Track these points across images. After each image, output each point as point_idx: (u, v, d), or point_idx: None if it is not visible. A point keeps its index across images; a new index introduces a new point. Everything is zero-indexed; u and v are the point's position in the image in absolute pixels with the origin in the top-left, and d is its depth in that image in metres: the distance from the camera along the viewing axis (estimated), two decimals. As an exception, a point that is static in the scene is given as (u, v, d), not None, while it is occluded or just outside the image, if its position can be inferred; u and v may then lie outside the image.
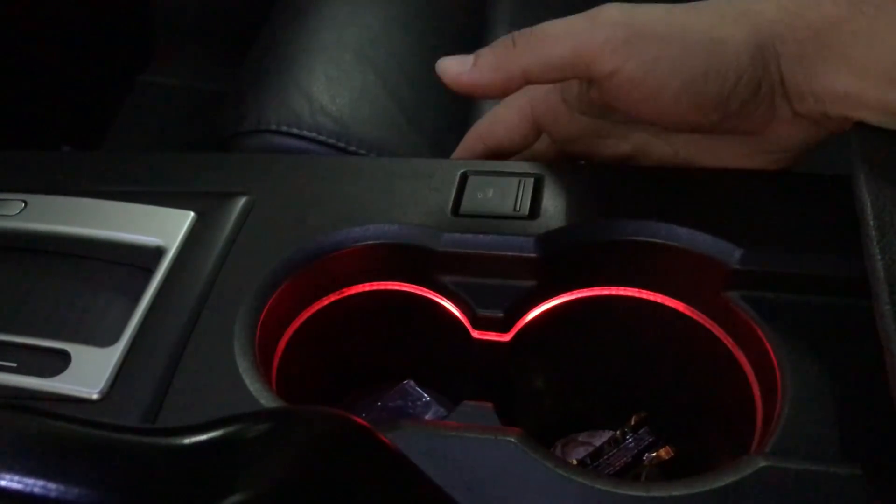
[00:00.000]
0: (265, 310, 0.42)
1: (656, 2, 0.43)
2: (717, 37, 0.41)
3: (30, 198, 0.47)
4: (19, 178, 0.50)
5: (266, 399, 0.38)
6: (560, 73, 0.42)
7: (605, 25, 0.41)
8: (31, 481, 0.24)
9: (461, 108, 0.78)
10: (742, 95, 0.41)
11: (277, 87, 0.72)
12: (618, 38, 0.41)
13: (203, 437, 0.26)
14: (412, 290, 0.45)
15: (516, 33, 0.43)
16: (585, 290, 0.44)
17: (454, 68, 0.43)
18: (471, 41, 0.84)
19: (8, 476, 0.24)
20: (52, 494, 0.24)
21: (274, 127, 0.69)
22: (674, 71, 0.41)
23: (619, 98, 0.43)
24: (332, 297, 0.45)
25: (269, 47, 0.77)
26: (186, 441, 0.26)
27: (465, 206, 0.45)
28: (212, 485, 0.25)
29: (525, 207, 0.44)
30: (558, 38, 0.42)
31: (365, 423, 0.29)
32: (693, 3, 0.42)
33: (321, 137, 0.68)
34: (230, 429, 0.26)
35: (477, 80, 0.43)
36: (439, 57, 0.76)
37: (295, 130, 0.69)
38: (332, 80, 0.72)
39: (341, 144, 0.68)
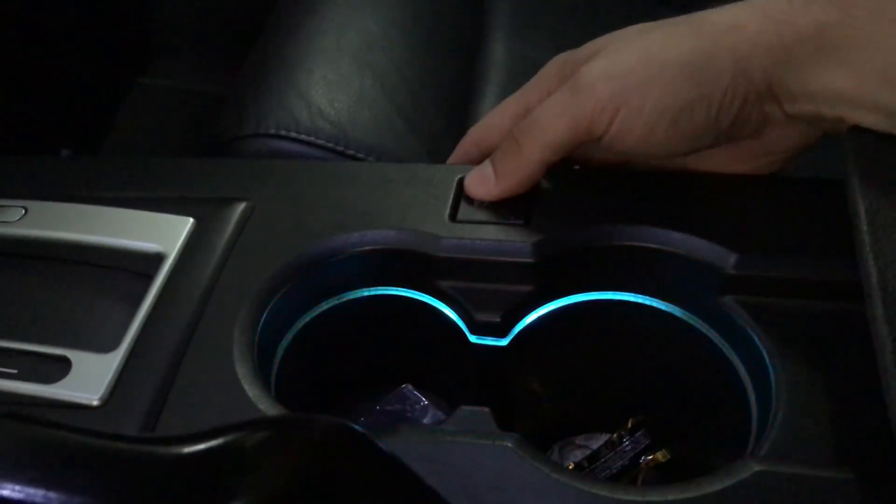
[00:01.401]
0: (264, 315, 0.42)
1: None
2: (696, 63, 0.42)
3: (30, 204, 0.47)
4: (20, 184, 0.50)
5: (265, 405, 0.38)
6: (566, 149, 0.44)
7: (588, 93, 0.43)
8: (32, 491, 0.24)
9: (459, 112, 0.78)
10: (730, 113, 0.42)
11: (276, 91, 0.72)
12: (604, 99, 0.42)
13: (202, 446, 0.26)
14: (410, 296, 0.45)
15: (515, 131, 0.45)
16: (582, 294, 0.45)
17: (481, 189, 0.45)
18: (469, 45, 0.84)
19: (10, 485, 0.24)
20: None
21: (273, 131, 0.69)
22: (660, 110, 0.42)
23: (615, 148, 0.44)
24: (331, 303, 0.45)
25: (268, 51, 0.77)
26: (186, 450, 0.26)
27: (463, 211, 0.45)
28: (211, 493, 0.25)
29: (521, 213, 0.45)
30: (552, 121, 0.44)
31: (363, 430, 0.29)
32: (672, 23, 0.43)
33: (319, 141, 0.69)
34: (229, 437, 0.27)
35: (506, 188, 0.45)
36: (438, 61, 0.76)
37: (293, 134, 0.69)
38: (330, 84, 0.72)
39: (339, 148, 0.69)
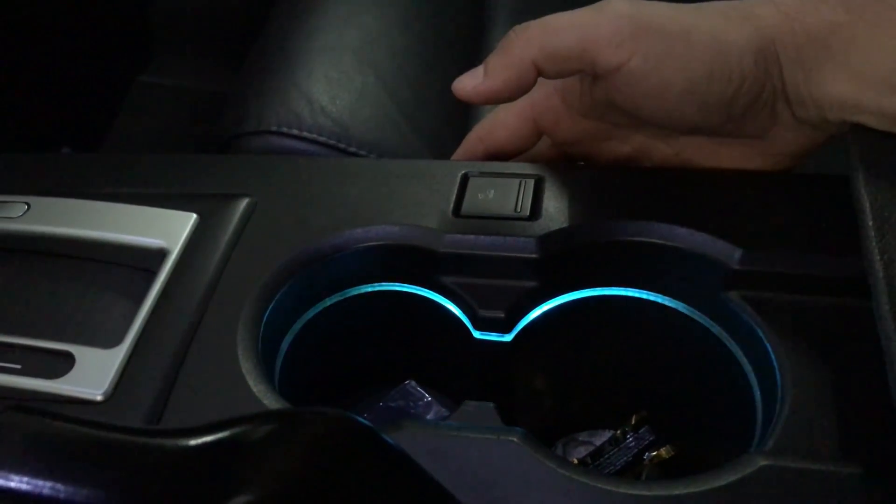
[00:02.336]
0: (268, 311, 0.42)
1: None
2: (723, 39, 0.41)
3: (33, 200, 0.47)
4: (22, 180, 0.50)
5: (269, 400, 0.38)
6: (566, 64, 0.42)
7: (611, 18, 0.41)
8: (40, 482, 0.24)
9: (461, 108, 0.78)
10: (745, 99, 0.41)
11: (278, 89, 0.72)
12: (624, 31, 0.40)
13: (209, 439, 0.26)
14: (414, 291, 0.45)
15: (520, 27, 0.43)
16: (586, 290, 0.45)
17: (468, 82, 0.43)
18: (470, 42, 0.84)
19: (17, 477, 0.24)
20: (61, 496, 0.24)
21: (274, 128, 0.69)
22: (679, 69, 0.41)
23: (623, 94, 0.42)
24: (335, 299, 0.45)
25: (270, 48, 0.78)
26: (192, 442, 0.26)
27: (466, 207, 0.45)
28: (217, 486, 0.25)
29: (526, 208, 0.44)
30: (564, 29, 0.42)
31: (368, 423, 0.29)
32: (697, 4, 0.42)
33: (321, 138, 0.69)
34: (235, 430, 0.27)
35: (492, 86, 0.43)
36: (439, 57, 0.76)
37: (295, 131, 0.69)
38: (332, 81, 0.72)
39: (341, 145, 0.69)
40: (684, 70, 0.41)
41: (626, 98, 0.43)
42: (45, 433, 0.25)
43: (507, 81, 0.43)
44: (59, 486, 0.24)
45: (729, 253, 0.41)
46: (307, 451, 0.27)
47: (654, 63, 0.41)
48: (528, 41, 0.42)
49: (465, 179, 0.47)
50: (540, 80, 0.48)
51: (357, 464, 0.27)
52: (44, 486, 0.24)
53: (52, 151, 1.01)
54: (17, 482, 0.24)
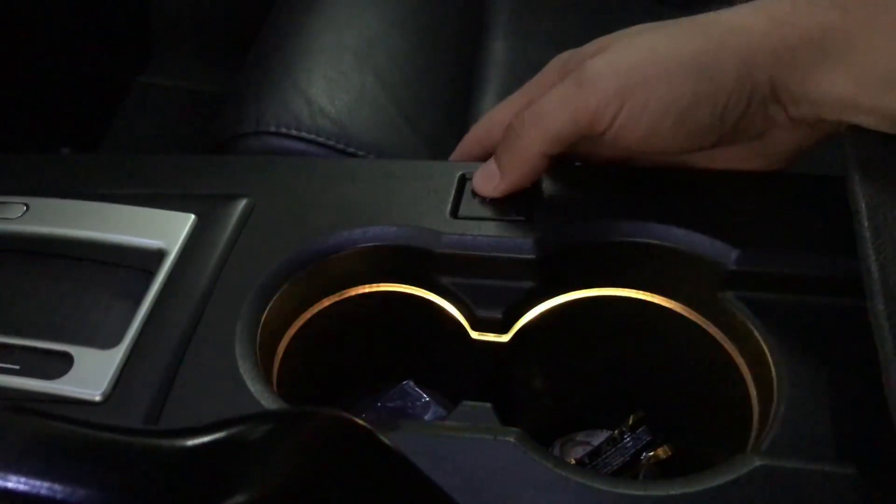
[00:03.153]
0: (266, 311, 0.42)
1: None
2: (703, 63, 0.41)
3: (32, 201, 0.47)
4: (21, 181, 0.50)
5: (267, 400, 0.38)
6: (567, 142, 0.44)
7: (593, 85, 0.42)
8: (37, 483, 0.24)
9: (459, 109, 0.78)
10: (734, 113, 0.42)
11: (276, 89, 0.72)
12: (609, 93, 0.42)
13: (206, 439, 0.26)
14: (411, 292, 0.45)
15: (515, 121, 0.44)
16: (583, 290, 0.45)
17: (487, 185, 0.45)
18: (469, 42, 0.84)
19: (15, 477, 0.24)
20: (59, 496, 0.24)
21: (273, 128, 0.69)
22: (665, 109, 0.42)
23: (618, 144, 0.44)
24: (333, 299, 0.45)
25: (268, 49, 0.78)
26: (190, 443, 0.26)
27: (464, 208, 0.45)
28: (215, 486, 0.25)
29: (523, 209, 0.45)
30: (555, 112, 0.43)
31: (366, 424, 0.29)
32: (678, 23, 0.43)
33: (320, 139, 0.69)
34: (233, 430, 0.27)
35: (511, 183, 0.45)
36: (438, 58, 0.76)
37: (294, 132, 0.69)
38: (331, 81, 0.72)
39: (340, 146, 0.69)
40: (670, 108, 0.42)
41: (622, 144, 0.44)
42: (43, 433, 0.25)
43: (525, 175, 0.45)
44: (57, 486, 0.24)
45: (725, 253, 0.41)
46: (304, 451, 0.27)
47: (640, 110, 0.42)
48: (530, 137, 0.44)
49: (462, 180, 0.47)
50: (536, 79, 0.48)
51: (354, 464, 0.28)
52: (41, 486, 0.24)
53: (51, 152, 1.01)
54: (14, 482, 0.24)
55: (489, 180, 0.45)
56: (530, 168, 0.45)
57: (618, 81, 0.42)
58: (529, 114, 0.44)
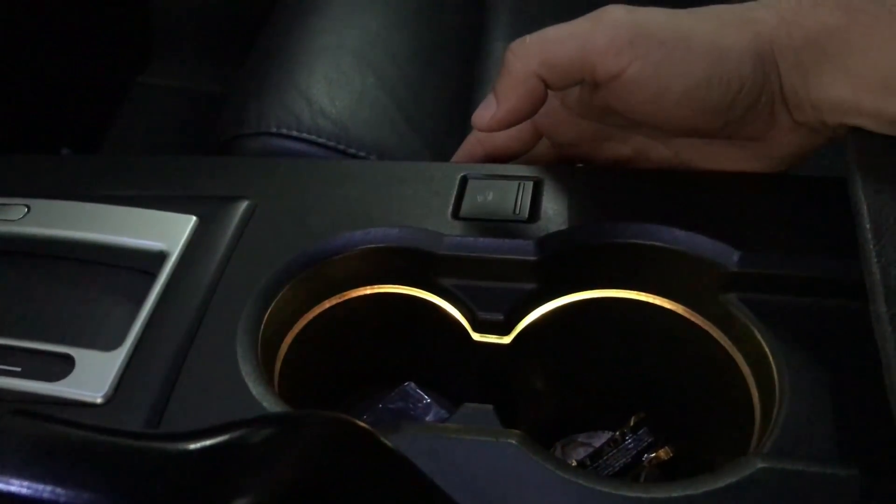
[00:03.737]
0: (268, 313, 0.42)
1: (659, 5, 0.43)
2: (721, 44, 0.41)
3: (33, 202, 0.48)
4: (22, 182, 0.50)
5: (269, 402, 0.38)
6: (567, 75, 0.42)
7: (609, 27, 0.41)
8: (40, 486, 0.24)
9: (460, 109, 0.78)
10: (744, 103, 0.41)
11: (277, 90, 0.72)
12: (622, 39, 0.41)
13: (209, 442, 0.26)
14: (413, 294, 0.45)
15: (517, 42, 0.43)
16: (585, 292, 0.45)
17: (485, 114, 0.44)
18: (470, 42, 0.84)
19: (18, 481, 0.24)
20: (62, 500, 0.24)
21: (274, 129, 0.69)
22: (677, 75, 0.41)
23: (622, 100, 0.43)
24: (334, 301, 0.45)
25: (269, 49, 0.78)
26: (192, 446, 0.26)
27: (466, 209, 0.45)
28: (217, 489, 0.25)
29: (525, 211, 0.45)
30: (562, 40, 0.42)
31: (368, 426, 0.29)
32: (695, 9, 0.43)
33: (321, 140, 0.69)
34: (235, 433, 0.27)
35: (507, 109, 0.43)
36: (438, 58, 0.76)
37: (295, 133, 0.69)
38: (331, 82, 0.72)
39: (341, 147, 0.69)
40: (683, 76, 0.41)
41: (624, 104, 0.43)
42: (46, 437, 0.25)
43: (520, 99, 0.43)
44: (60, 490, 0.24)
45: (727, 255, 0.41)
46: (306, 454, 0.27)
47: (652, 70, 0.41)
48: (527, 56, 0.42)
49: (464, 181, 0.47)
50: None
51: (356, 467, 0.28)
52: (44, 490, 0.24)
53: (51, 152, 1.01)
54: (17, 486, 0.24)
55: (487, 108, 0.44)
56: (525, 91, 0.42)
57: (635, 32, 0.41)
58: (532, 36, 0.42)
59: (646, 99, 0.42)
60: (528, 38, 0.42)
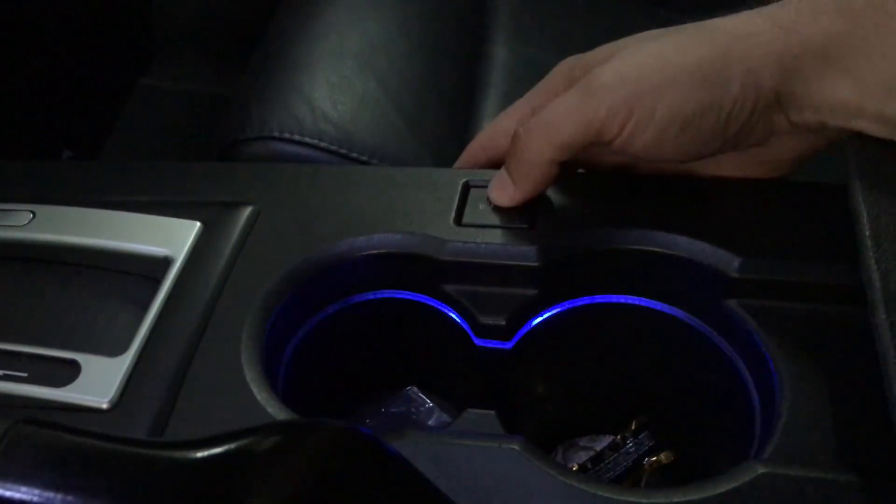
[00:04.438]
0: (272, 319, 0.42)
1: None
2: (709, 71, 0.42)
3: (38, 208, 0.48)
4: (27, 188, 0.51)
5: (273, 408, 0.39)
6: (576, 150, 0.44)
7: (602, 95, 0.42)
8: (50, 495, 0.24)
9: (461, 114, 0.78)
10: (738, 121, 0.42)
11: (279, 94, 0.72)
12: (617, 103, 0.42)
13: (216, 451, 0.27)
14: (416, 299, 0.46)
15: (522, 130, 0.44)
16: (586, 298, 0.45)
17: (503, 196, 0.45)
18: (471, 47, 0.85)
19: (26, 489, 0.25)
20: (71, 508, 0.24)
21: (276, 133, 0.69)
22: (671, 117, 0.42)
23: (624, 150, 0.44)
24: (338, 306, 0.46)
25: (271, 53, 0.78)
26: (200, 454, 0.26)
27: (468, 215, 0.45)
28: (224, 497, 0.26)
29: (526, 216, 0.45)
30: (563, 121, 0.43)
31: (373, 435, 0.29)
32: (684, 29, 0.43)
33: (323, 144, 0.69)
34: (242, 441, 0.27)
35: (526, 193, 0.45)
36: (440, 63, 0.76)
37: (297, 137, 0.69)
38: (333, 86, 0.72)
39: (343, 151, 0.69)
40: (676, 116, 0.42)
41: (629, 150, 0.44)
42: (55, 445, 0.26)
43: (537, 184, 0.45)
44: (69, 498, 0.24)
45: (728, 261, 0.42)
46: (312, 462, 0.27)
47: (648, 119, 0.42)
48: (538, 144, 0.44)
49: (466, 188, 0.47)
50: (541, 85, 0.49)
51: (361, 474, 0.28)
52: (54, 498, 0.24)
53: (52, 155, 1.01)
54: (27, 494, 0.24)
55: (504, 190, 0.45)
56: (541, 176, 0.45)
57: (626, 90, 0.42)
58: (537, 122, 0.44)
59: (647, 143, 0.43)
60: (531, 124, 0.44)
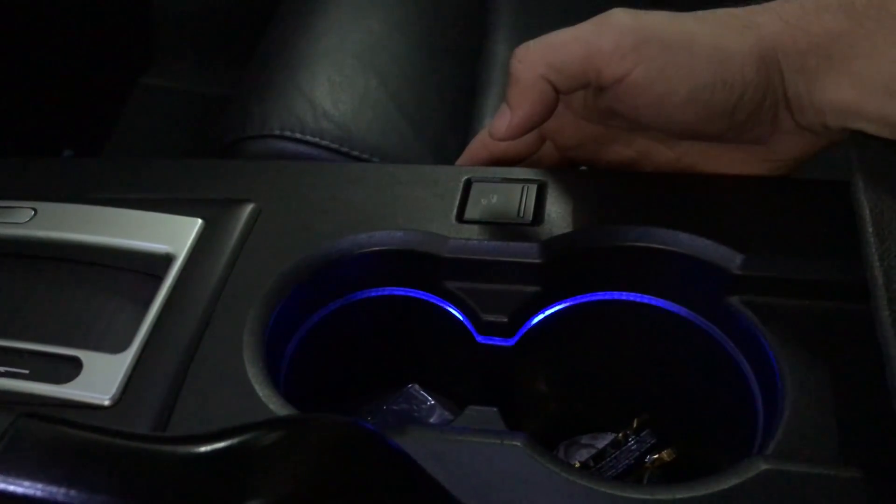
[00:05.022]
0: (273, 316, 0.42)
1: (662, 8, 0.43)
2: (725, 48, 0.41)
3: (39, 205, 0.48)
4: (28, 185, 0.51)
5: (275, 404, 0.38)
6: (573, 78, 0.42)
7: (614, 31, 0.41)
8: (54, 489, 0.24)
9: (462, 112, 0.78)
10: (748, 107, 0.42)
11: (280, 92, 0.72)
12: (627, 43, 0.41)
13: (219, 445, 0.27)
14: (417, 296, 0.46)
15: (521, 47, 0.43)
16: (588, 295, 0.45)
17: (501, 124, 0.44)
18: (472, 45, 0.85)
19: (31, 484, 0.25)
20: (74, 502, 0.24)
21: (277, 132, 0.69)
22: (681, 79, 0.41)
23: (626, 103, 0.43)
24: (339, 303, 0.46)
25: (272, 52, 0.78)
26: (203, 449, 0.26)
27: (470, 212, 0.45)
28: (228, 491, 0.25)
29: (529, 214, 0.45)
30: (567, 43, 0.42)
31: (375, 429, 0.29)
32: (699, 13, 0.43)
33: (324, 142, 0.69)
34: (245, 437, 0.27)
35: (521, 115, 0.43)
36: (441, 62, 0.76)
37: (298, 135, 0.69)
38: (334, 84, 0.72)
39: (344, 149, 0.69)
40: (687, 80, 0.41)
41: (628, 107, 0.43)
42: (58, 440, 0.26)
43: (533, 105, 0.43)
44: (73, 492, 0.24)
45: (730, 258, 0.42)
46: (316, 456, 0.27)
47: (656, 73, 0.41)
48: (533, 61, 0.42)
49: (468, 185, 0.47)
50: None
51: (364, 469, 0.28)
52: (57, 492, 0.24)
53: (53, 154, 1.01)
54: (31, 489, 0.24)
55: (502, 119, 0.44)
56: (537, 95, 0.43)
57: (639, 35, 0.41)
58: (537, 41, 0.42)
59: (650, 102, 0.42)
60: (531, 43, 0.43)
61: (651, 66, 0.41)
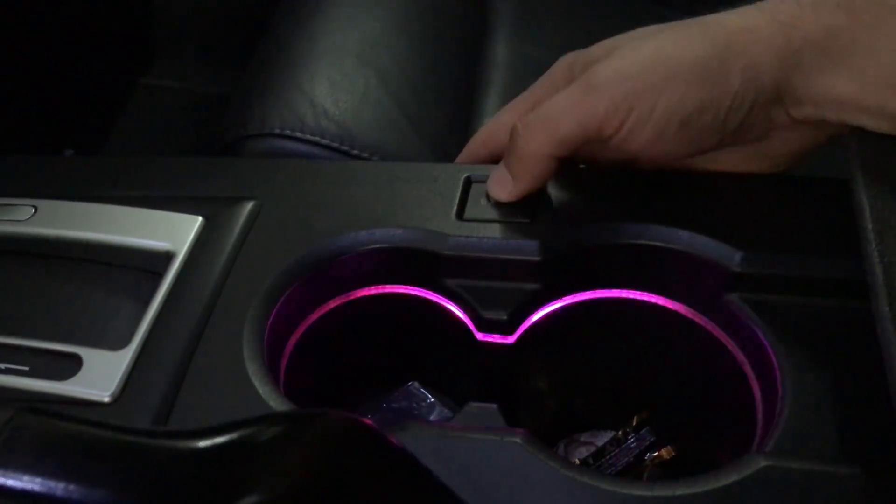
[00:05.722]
0: (273, 313, 0.42)
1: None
2: (708, 67, 0.42)
3: (40, 203, 0.48)
4: (29, 183, 0.51)
5: (275, 401, 0.39)
6: (574, 146, 0.44)
7: (601, 91, 0.42)
8: (53, 483, 0.24)
9: (462, 110, 0.78)
10: (737, 116, 0.42)
11: (280, 91, 0.72)
12: (616, 99, 0.42)
13: (219, 440, 0.27)
14: (417, 294, 0.46)
15: (520, 124, 0.44)
16: (588, 292, 0.45)
17: (502, 191, 0.45)
18: (471, 44, 0.85)
19: (29, 478, 0.25)
20: (74, 496, 0.24)
21: (278, 131, 0.69)
22: (670, 114, 0.42)
23: (623, 147, 0.44)
24: (339, 301, 0.46)
25: (272, 51, 0.78)
26: (203, 444, 0.26)
27: (470, 210, 0.46)
28: (228, 486, 0.26)
29: (528, 211, 0.45)
30: (562, 117, 0.43)
31: (375, 425, 0.29)
32: (684, 25, 0.43)
33: (324, 141, 0.69)
34: (245, 431, 0.27)
35: (524, 188, 0.45)
36: (441, 60, 0.76)
37: (298, 134, 0.69)
38: (334, 83, 0.72)
39: (344, 148, 0.69)
40: (675, 113, 0.42)
41: (629, 147, 0.44)
42: (57, 435, 0.26)
43: (536, 178, 0.45)
44: (72, 486, 0.24)
45: (729, 255, 0.42)
46: (315, 452, 0.27)
47: (647, 116, 0.42)
48: (537, 139, 0.44)
49: (468, 183, 0.47)
50: (541, 81, 0.49)
51: (364, 465, 0.28)
52: (56, 486, 0.24)
53: (54, 153, 1.01)
54: (30, 483, 0.24)
55: (502, 185, 0.45)
56: (540, 171, 0.44)
57: (625, 87, 0.42)
58: (535, 117, 0.44)
59: (646, 140, 0.43)
60: (530, 119, 0.44)
61: (642, 111, 0.42)
